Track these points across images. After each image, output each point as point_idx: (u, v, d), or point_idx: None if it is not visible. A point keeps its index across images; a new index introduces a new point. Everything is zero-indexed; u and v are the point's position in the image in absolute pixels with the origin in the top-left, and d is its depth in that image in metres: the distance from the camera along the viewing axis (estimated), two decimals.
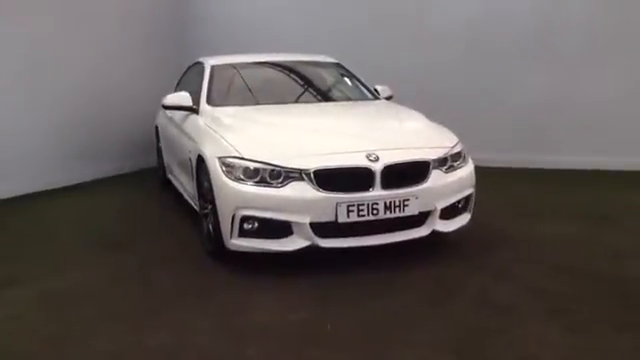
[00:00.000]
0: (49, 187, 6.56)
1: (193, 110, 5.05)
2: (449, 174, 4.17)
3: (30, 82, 6.53)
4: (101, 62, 7.38)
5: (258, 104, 5.06)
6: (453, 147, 4.29)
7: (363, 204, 3.79)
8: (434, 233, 4.09)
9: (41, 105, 6.66)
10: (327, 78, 5.73)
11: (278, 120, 4.71)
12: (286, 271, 3.91)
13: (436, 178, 4.05)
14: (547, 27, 7.34)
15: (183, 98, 5.10)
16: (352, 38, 8.03)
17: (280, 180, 3.81)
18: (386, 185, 3.85)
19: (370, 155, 3.88)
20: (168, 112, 5.72)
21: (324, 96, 5.44)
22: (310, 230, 3.79)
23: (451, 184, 4.16)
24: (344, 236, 3.87)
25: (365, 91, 5.53)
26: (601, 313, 3.25)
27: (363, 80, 5.67)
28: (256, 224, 3.86)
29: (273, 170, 3.82)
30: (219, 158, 3.99)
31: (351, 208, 3.77)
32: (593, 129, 7.24)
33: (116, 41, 7.62)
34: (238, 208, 3.84)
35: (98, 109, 7.32)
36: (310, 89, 5.51)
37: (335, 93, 5.56)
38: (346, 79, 5.71)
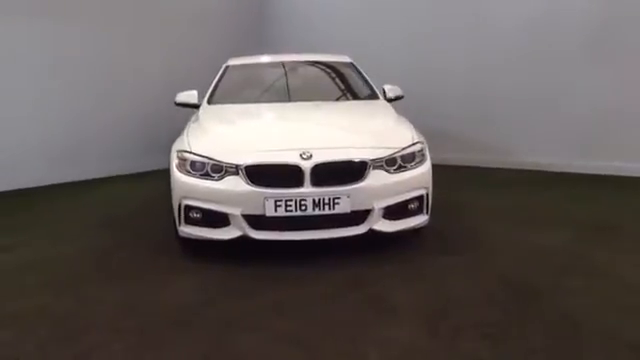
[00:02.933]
0: (115, 174, 7.45)
1: (197, 107, 5.49)
2: (395, 174, 4.18)
3: (109, 83, 7.47)
4: (176, 62, 8.13)
5: (250, 102, 5.38)
6: (404, 148, 4.27)
7: (291, 200, 3.96)
8: (378, 233, 4.15)
9: (119, 103, 7.59)
10: (331, 78, 5.89)
11: (250, 118, 5.01)
12: (225, 259, 4.19)
13: (376, 178, 4.09)
14: (611, 25, 6.80)
15: (190, 96, 5.56)
16: (411, 41, 8.08)
17: (221, 174, 4.10)
18: (317, 183, 3.98)
19: (304, 153, 4.03)
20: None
21: (317, 95, 5.50)
22: (243, 221, 4.04)
23: (395, 185, 4.16)
24: (278, 229, 4.07)
25: (365, 91, 5.59)
26: (482, 321, 3.15)
27: (370, 80, 5.71)
28: (200, 214, 4.19)
29: (215, 164, 4.12)
30: (177, 152, 4.38)
31: (278, 203, 3.96)
32: None
33: (193, 40, 8.33)
34: (182, 198, 4.20)
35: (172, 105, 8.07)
36: (308, 88, 5.69)
37: (330, 92, 5.66)
38: (351, 79, 5.80)
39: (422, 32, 8.07)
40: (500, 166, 7.45)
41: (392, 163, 4.20)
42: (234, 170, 4.05)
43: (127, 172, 7.65)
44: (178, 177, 4.23)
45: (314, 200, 3.97)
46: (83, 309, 3.45)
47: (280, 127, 4.75)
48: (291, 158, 4.02)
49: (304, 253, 4.21)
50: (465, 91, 7.82)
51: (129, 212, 5.77)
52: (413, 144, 4.37)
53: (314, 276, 3.87)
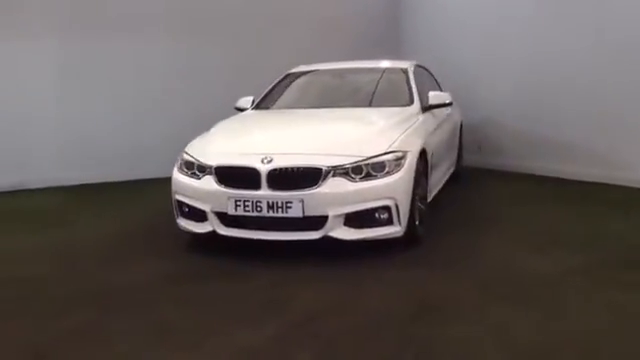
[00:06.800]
0: None
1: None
2: (359, 183, 4.16)
3: (227, 90, 8.30)
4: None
5: (285, 108, 5.67)
6: (372, 157, 4.22)
7: (248, 201, 4.20)
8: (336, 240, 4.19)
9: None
10: (375, 84, 5.84)
11: (256, 123, 5.44)
12: (204, 252, 4.57)
13: (333, 185, 4.13)
14: None
15: (246, 102, 6.01)
16: (532, 54, 7.59)
17: (204, 174, 4.50)
18: (274, 186, 4.16)
19: (265, 158, 4.24)
20: None
21: (350, 101, 5.63)
22: (214, 217, 4.39)
23: (355, 193, 4.15)
24: (240, 227, 4.34)
25: (402, 97, 5.49)
26: (345, 333, 3.08)
27: (414, 88, 5.56)
28: (188, 208, 4.63)
29: (199, 165, 4.53)
30: (183, 152, 4.88)
31: (238, 203, 4.23)
32: None
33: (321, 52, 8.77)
34: (175, 193, 4.69)
35: None
36: (345, 94, 5.80)
37: (363, 99, 5.64)
38: (396, 85, 5.72)
39: (543, 49, 7.44)
40: (603, 181, 6.58)
41: (358, 171, 4.19)
42: (210, 170, 4.42)
43: None
44: (175, 174, 4.72)
45: (268, 203, 4.15)
46: (54, 279, 4.12)
47: (263, 132, 5.00)
48: (252, 162, 4.25)
49: (274, 251, 4.38)
50: (580, 103, 7.03)
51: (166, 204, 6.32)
52: (385, 153, 4.27)
53: (249, 274, 4.04)
